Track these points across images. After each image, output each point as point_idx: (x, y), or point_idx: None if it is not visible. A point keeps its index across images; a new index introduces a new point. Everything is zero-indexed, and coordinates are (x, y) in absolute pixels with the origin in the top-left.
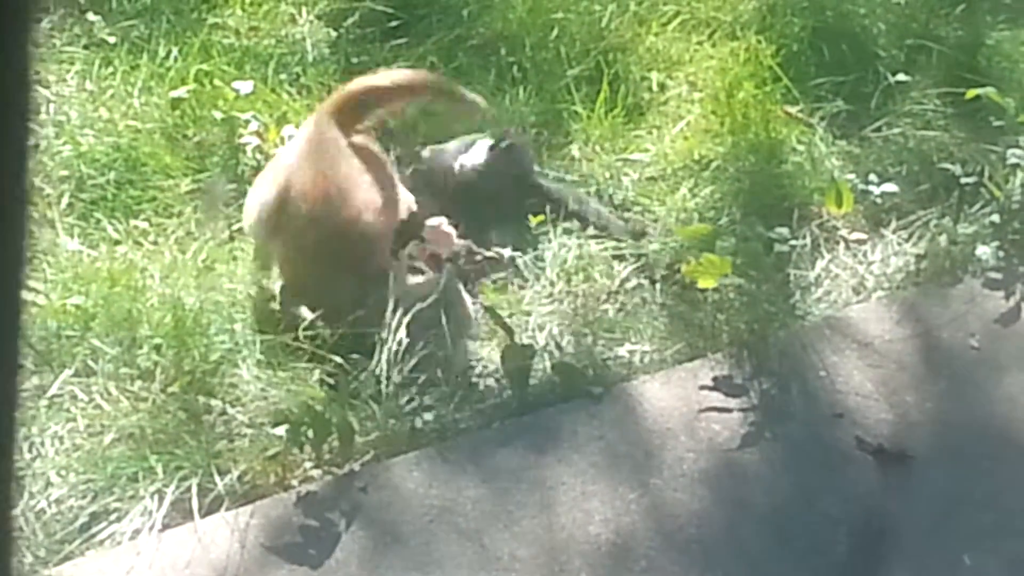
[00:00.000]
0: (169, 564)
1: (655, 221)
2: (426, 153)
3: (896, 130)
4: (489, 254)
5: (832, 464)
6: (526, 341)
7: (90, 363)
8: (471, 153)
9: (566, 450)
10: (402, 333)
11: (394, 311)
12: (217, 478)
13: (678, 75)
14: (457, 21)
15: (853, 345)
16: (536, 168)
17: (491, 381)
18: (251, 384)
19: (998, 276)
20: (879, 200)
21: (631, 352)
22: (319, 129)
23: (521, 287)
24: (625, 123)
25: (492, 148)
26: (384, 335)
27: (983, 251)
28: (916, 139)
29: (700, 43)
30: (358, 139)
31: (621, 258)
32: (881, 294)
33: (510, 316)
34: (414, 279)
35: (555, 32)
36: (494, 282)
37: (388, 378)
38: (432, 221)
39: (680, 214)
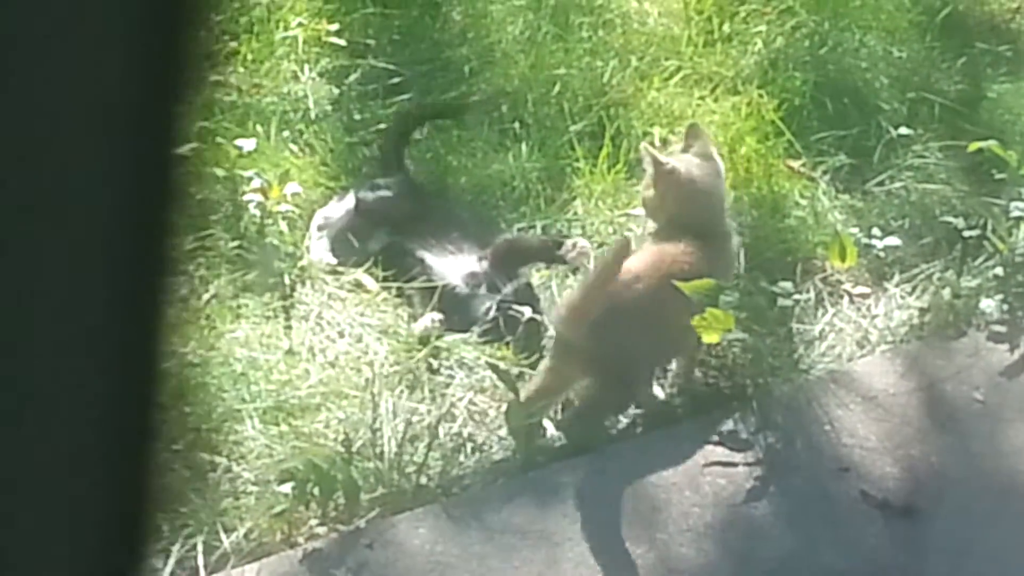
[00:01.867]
0: None
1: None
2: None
3: (899, 184)
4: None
5: (837, 518)
6: None
7: None
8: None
9: (571, 506)
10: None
11: None
12: (223, 535)
13: (680, 130)
14: (459, 77)
15: (857, 399)
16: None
17: (496, 437)
18: (256, 441)
19: (1002, 329)
20: (882, 254)
21: (635, 407)
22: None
23: (527, 344)
24: (628, 178)
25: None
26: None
27: (987, 304)
28: (919, 192)
29: (702, 98)
30: None
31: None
32: (885, 348)
33: (516, 372)
34: None
35: (557, 88)
36: (501, 338)
37: (393, 435)
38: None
39: None
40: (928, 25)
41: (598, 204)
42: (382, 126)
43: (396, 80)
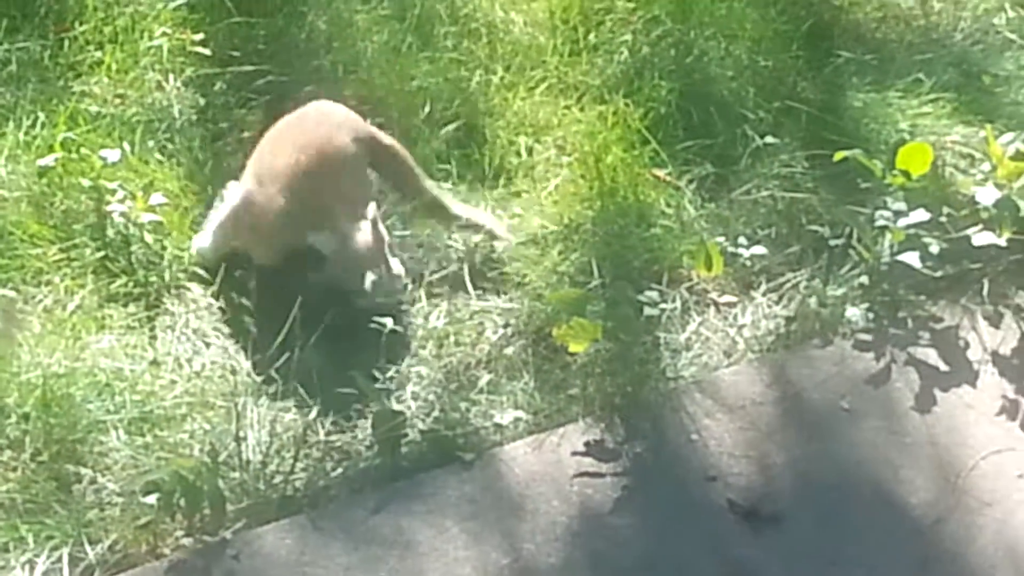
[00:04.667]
0: None
1: (526, 285)
2: None
3: (765, 192)
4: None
5: (705, 527)
6: (397, 407)
7: None
8: None
9: (438, 516)
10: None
11: None
12: (88, 547)
13: (546, 139)
14: (325, 86)
15: (724, 408)
16: None
17: (362, 447)
18: (121, 452)
19: (868, 338)
20: (749, 263)
21: (502, 417)
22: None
23: (392, 352)
24: (494, 188)
25: None
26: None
27: (853, 313)
28: (785, 201)
29: (568, 107)
30: None
31: (492, 322)
32: (752, 356)
33: (382, 382)
34: None
35: (423, 97)
36: (365, 348)
37: (259, 444)
38: None
39: (551, 278)
40: (794, 34)
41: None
42: (247, 134)
43: (261, 81)
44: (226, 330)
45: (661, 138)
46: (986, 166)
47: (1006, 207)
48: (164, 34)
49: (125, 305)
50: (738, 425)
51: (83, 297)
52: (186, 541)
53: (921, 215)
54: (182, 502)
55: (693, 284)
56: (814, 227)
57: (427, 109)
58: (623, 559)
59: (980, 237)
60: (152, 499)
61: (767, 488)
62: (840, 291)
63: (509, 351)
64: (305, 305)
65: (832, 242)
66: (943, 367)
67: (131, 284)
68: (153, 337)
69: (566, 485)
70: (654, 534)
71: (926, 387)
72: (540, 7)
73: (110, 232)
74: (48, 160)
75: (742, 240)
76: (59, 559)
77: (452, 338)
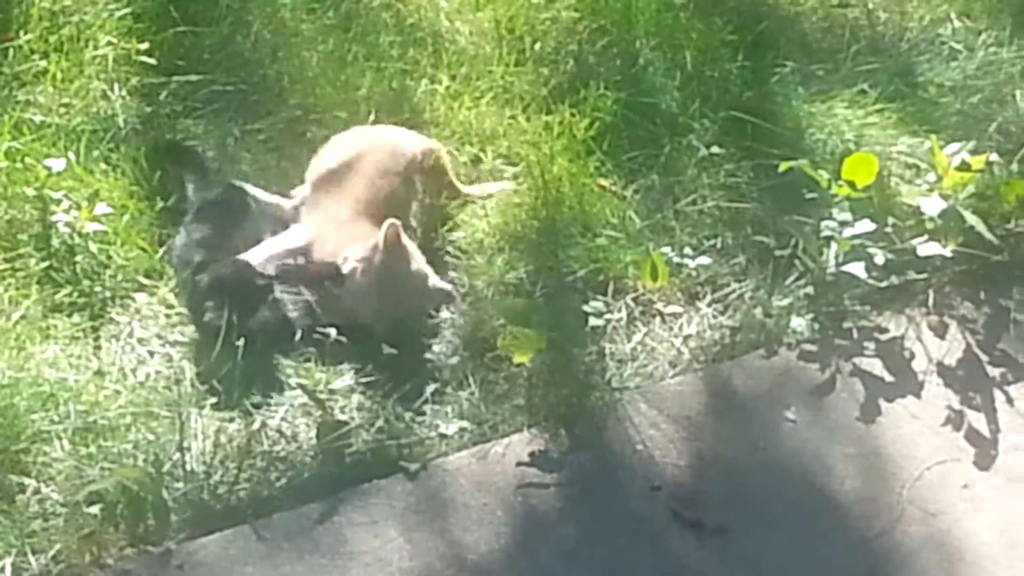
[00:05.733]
0: None
1: (471, 296)
2: None
3: (710, 203)
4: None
5: (650, 537)
6: (341, 417)
7: None
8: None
9: (382, 526)
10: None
11: None
12: (31, 558)
13: (492, 149)
14: (270, 95)
15: (669, 418)
16: None
17: (307, 457)
18: (65, 463)
19: (813, 348)
20: (694, 273)
21: (447, 427)
22: None
23: (337, 363)
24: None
25: None
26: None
27: (798, 323)
28: (730, 212)
29: (513, 116)
30: None
31: (437, 332)
32: (697, 367)
33: (326, 392)
34: None
35: (367, 107)
36: (309, 358)
37: (203, 454)
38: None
39: (496, 288)
40: (739, 44)
41: (412, 221)
42: (193, 144)
43: (206, 91)
44: (171, 339)
45: (607, 148)
46: (931, 176)
47: (951, 218)
48: (109, 43)
49: (70, 315)
50: (683, 435)
51: (27, 307)
52: (130, 551)
53: (866, 225)
54: (126, 512)
55: (638, 294)
56: (759, 237)
57: (372, 118)
58: (567, 569)
59: (925, 248)
60: (96, 509)
61: (711, 498)
62: (785, 301)
63: (454, 361)
64: (247, 315)
65: (777, 252)
66: (888, 378)
67: (76, 294)
68: (98, 347)
69: (511, 495)
70: (598, 544)
71: (871, 397)
72: (486, 17)
73: (55, 242)
74: None
75: (687, 250)
76: (2, 569)
77: (396, 348)
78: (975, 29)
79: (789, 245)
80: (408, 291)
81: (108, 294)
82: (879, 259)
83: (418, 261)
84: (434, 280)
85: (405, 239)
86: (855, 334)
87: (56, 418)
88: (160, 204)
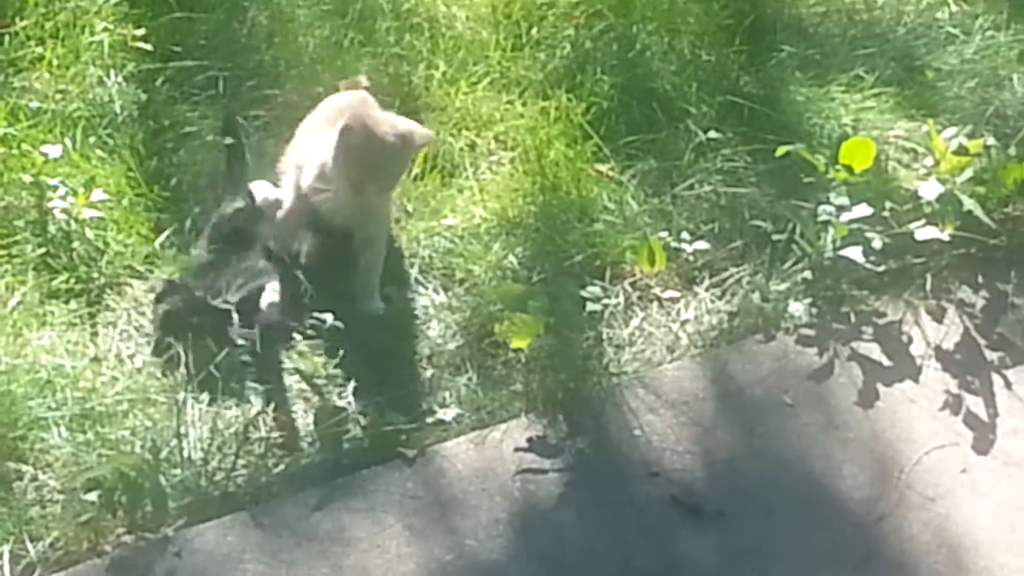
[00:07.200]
0: None
1: (468, 281)
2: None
3: (708, 187)
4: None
5: (648, 522)
6: (339, 403)
7: None
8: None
9: (381, 512)
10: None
11: None
12: (29, 545)
13: (488, 134)
14: (267, 81)
15: (667, 403)
16: None
17: (304, 444)
18: (62, 449)
19: (811, 333)
20: (692, 258)
21: (445, 413)
22: None
23: (334, 348)
24: (439, 184)
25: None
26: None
27: (795, 308)
28: (728, 196)
29: (510, 102)
30: None
31: (434, 318)
32: (695, 352)
33: (323, 378)
34: None
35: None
36: (308, 345)
37: (200, 441)
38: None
39: (493, 273)
40: (736, 29)
41: (410, 210)
42: (189, 130)
43: (201, 77)
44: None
45: (603, 133)
46: (929, 161)
47: (949, 202)
48: (105, 29)
49: (66, 302)
50: (681, 420)
51: (24, 294)
52: (127, 538)
53: (864, 210)
54: (123, 499)
55: (636, 279)
56: (757, 222)
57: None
58: (566, 555)
59: (923, 232)
60: (93, 496)
61: (710, 483)
62: (783, 286)
63: (451, 347)
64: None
65: (775, 237)
66: (886, 362)
67: (72, 280)
68: (95, 333)
69: (508, 481)
70: (596, 530)
71: (869, 382)
72: (482, 2)
73: (51, 228)
74: None
75: (685, 235)
76: (0, 556)
77: (394, 333)
78: (972, 13)
79: (787, 230)
80: (383, 154)
81: (105, 281)
82: (877, 243)
83: (388, 122)
84: (404, 126)
85: (364, 119)
86: (853, 318)
87: (53, 405)
88: (157, 190)
